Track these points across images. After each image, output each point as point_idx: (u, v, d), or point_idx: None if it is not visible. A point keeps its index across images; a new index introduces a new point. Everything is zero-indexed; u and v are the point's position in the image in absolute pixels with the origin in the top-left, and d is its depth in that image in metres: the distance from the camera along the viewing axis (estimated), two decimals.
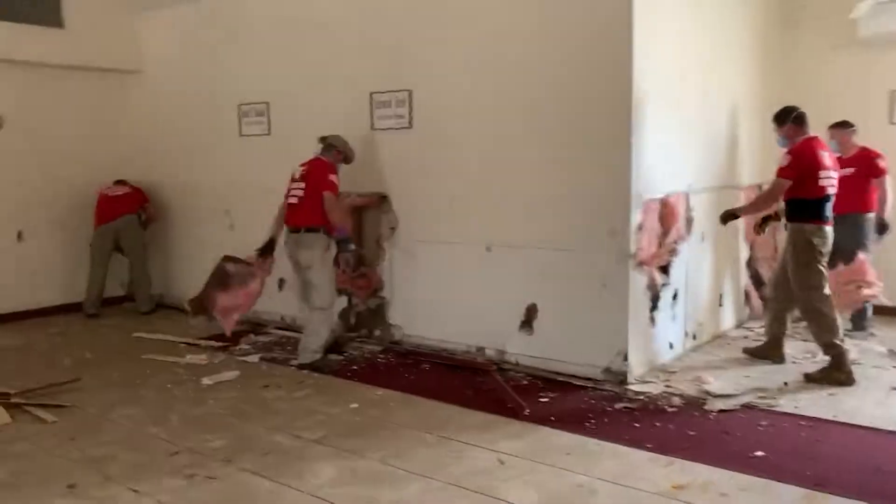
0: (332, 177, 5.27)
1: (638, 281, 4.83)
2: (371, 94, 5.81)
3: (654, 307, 5.03)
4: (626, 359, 4.75)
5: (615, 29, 4.59)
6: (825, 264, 4.85)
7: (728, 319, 6.17)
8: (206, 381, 4.97)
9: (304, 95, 6.32)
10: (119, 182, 7.47)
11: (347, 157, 5.53)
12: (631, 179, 4.66)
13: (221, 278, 5.38)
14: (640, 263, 4.80)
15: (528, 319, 5.15)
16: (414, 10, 5.53)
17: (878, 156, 5.83)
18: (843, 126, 5.89)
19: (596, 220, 4.79)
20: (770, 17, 6.57)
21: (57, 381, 4.93)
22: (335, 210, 5.21)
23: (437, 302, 5.63)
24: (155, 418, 4.35)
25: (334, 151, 5.46)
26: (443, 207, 5.52)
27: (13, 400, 4.59)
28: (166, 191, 7.70)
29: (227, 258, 5.51)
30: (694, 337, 5.60)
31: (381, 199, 5.80)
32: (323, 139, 5.51)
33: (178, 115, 7.46)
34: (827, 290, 4.83)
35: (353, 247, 5.40)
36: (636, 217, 4.74)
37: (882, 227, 5.85)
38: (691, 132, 5.39)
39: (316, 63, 6.19)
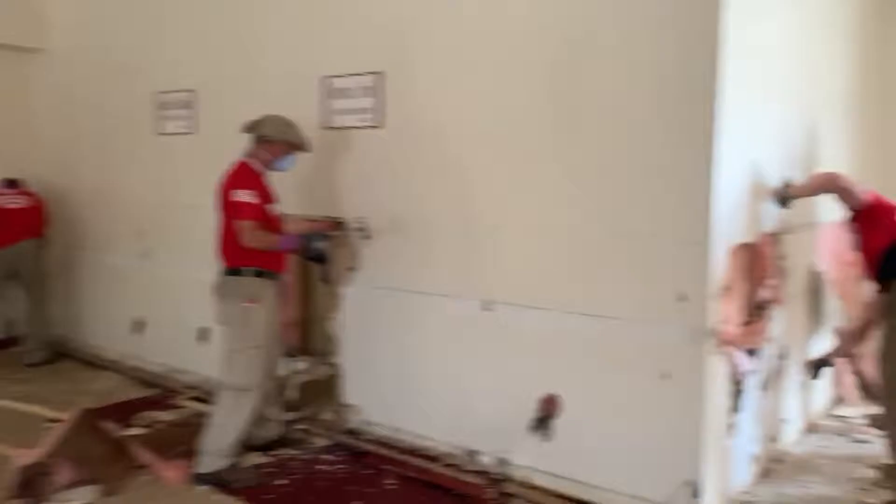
0: (243, 194, 3.47)
1: (717, 370, 3.14)
2: (324, 78, 4.13)
3: (735, 408, 3.33)
4: (696, 494, 3.05)
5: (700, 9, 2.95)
6: None
7: (816, 404, 4.46)
8: None
9: (239, 81, 4.63)
10: (11, 183, 5.69)
11: (294, 145, 3.70)
12: (711, 215, 2.98)
13: (80, 445, 3.36)
14: (724, 344, 3.11)
15: (545, 417, 3.44)
16: None
17: None
18: None
19: (656, 275, 3.10)
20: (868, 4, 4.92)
21: None
22: (256, 242, 3.49)
23: (410, 378, 3.92)
24: None
25: (264, 145, 3.64)
26: (422, 242, 3.83)
27: None
28: (74, 202, 5.95)
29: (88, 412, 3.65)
30: (777, 440, 3.90)
31: (336, 227, 4.09)
32: (250, 127, 3.70)
33: (85, 106, 5.74)
34: None
35: (320, 245, 3.73)
36: (719, 271, 3.05)
37: None
38: (786, 149, 3.72)
39: (257, 39, 4.52)
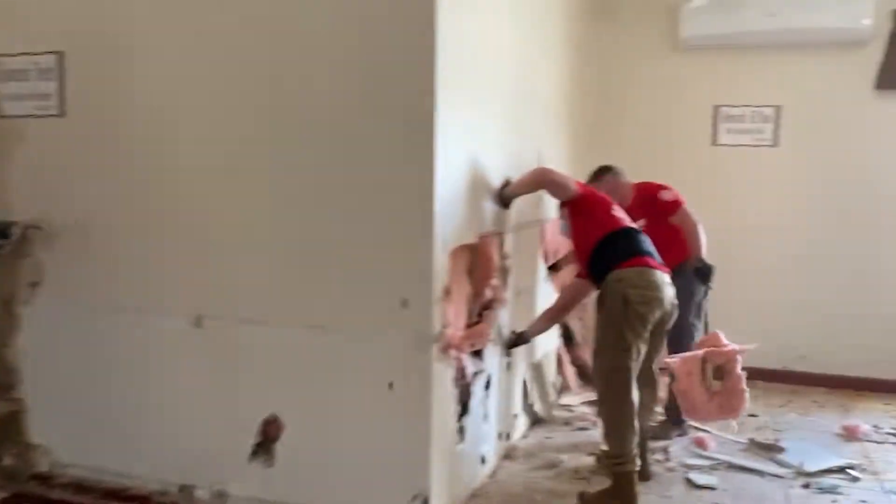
0: None
1: (443, 375, 3.04)
2: None
3: (464, 411, 3.27)
4: None
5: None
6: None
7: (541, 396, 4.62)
8: None
9: None
10: None
11: None
12: (434, 216, 2.86)
13: None
14: (448, 348, 3.02)
15: (266, 441, 3.12)
16: None
17: (658, 188, 4.22)
18: (605, 174, 4.17)
19: (378, 281, 2.92)
20: (582, 3, 5.22)
21: None
22: None
23: (111, 409, 3.38)
24: None
25: None
26: (119, 250, 3.31)
27: None
28: None
29: None
30: (508, 437, 3.95)
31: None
32: None
33: None
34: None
35: None
36: (441, 275, 2.94)
37: (703, 272, 4.14)
38: (507, 149, 3.75)
39: None
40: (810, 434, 4.29)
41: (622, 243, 3.41)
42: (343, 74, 2.90)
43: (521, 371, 4.12)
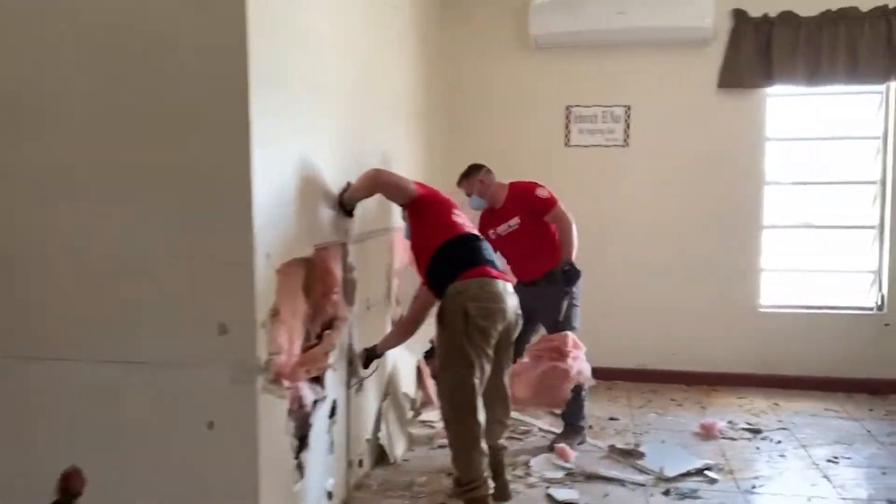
0: None
1: (274, 408, 2.69)
2: None
3: (302, 445, 2.93)
4: None
5: None
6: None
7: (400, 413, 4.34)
8: None
9: None
10: None
11: None
12: (254, 228, 2.51)
13: None
14: (277, 378, 2.67)
15: (66, 499, 2.64)
16: None
17: (534, 186, 4.10)
18: (476, 172, 4.11)
19: (191, 306, 2.54)
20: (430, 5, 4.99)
21: None
22: None
23: None
24: None
25: None
26: None
27: None
28: None
29: None
30: (360, 464, 3.64)
31: None
32: None
33: None
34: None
35: None
36: (266, 294, 2.59)
37: (569, 275, 3.96)
38: (348, 154, 3.44)
39: None
40: (669, 435, 4.26)
41: (461, 251, 3.18)
42: (147, 71, 2.50)
43: (373, 394, 3.82)
